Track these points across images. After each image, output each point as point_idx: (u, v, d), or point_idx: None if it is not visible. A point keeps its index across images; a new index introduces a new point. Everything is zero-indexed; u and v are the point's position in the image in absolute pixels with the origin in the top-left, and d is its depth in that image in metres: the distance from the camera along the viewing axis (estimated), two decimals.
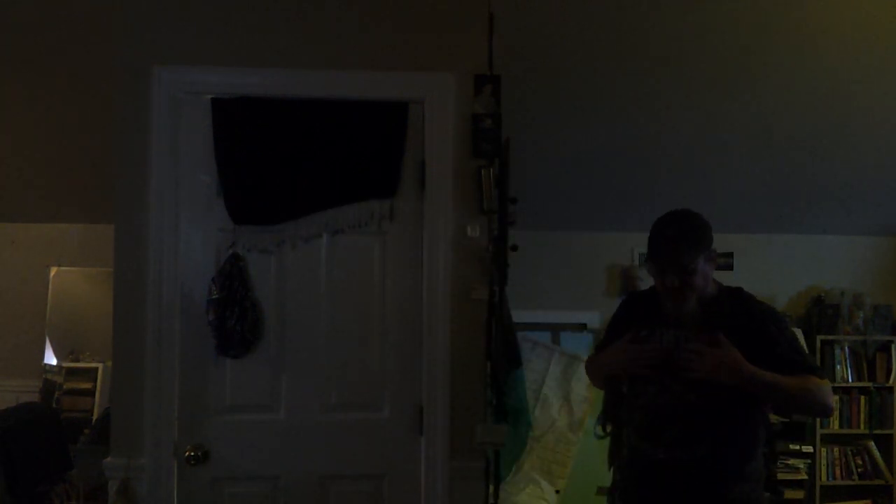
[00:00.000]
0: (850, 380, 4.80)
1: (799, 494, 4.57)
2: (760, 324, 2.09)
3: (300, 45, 2.55)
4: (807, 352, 2.17)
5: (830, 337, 4.77)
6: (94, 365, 4.60)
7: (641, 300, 2.30)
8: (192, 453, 2.49)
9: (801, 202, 4.55)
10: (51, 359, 4.62)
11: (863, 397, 4.81)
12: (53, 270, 4.63)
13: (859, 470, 4.78)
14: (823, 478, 4.72)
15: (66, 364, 4.62)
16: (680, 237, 2.07)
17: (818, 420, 4.69)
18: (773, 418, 4.45)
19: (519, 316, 2.91)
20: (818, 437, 4.70)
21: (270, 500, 2.55)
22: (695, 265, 2.06)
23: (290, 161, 2.54)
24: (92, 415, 4.48)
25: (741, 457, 2.09)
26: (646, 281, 2.76)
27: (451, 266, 2.56)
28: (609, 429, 2.36)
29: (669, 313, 2.15)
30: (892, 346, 4.83)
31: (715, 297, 2.15)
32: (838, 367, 4.79)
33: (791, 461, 4.58)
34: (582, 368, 3.66)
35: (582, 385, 4.35)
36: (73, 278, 4.66)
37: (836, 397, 4.76)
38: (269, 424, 2.55)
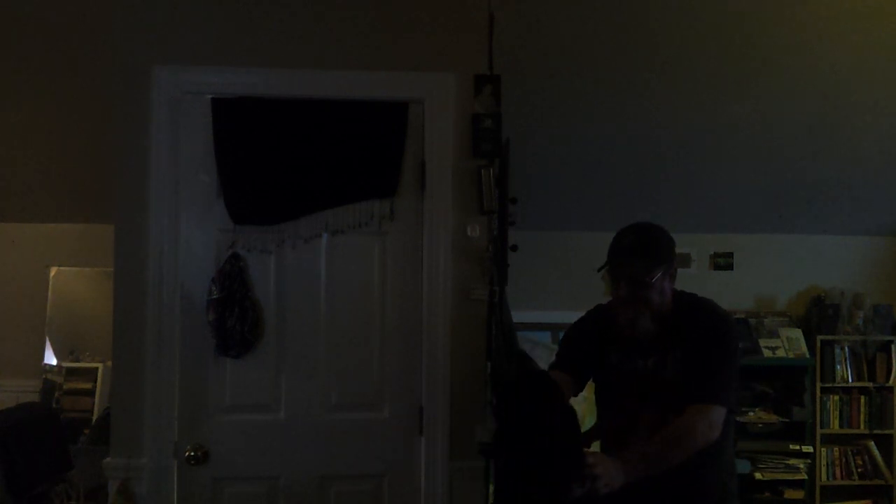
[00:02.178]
0: (850, 380, 4.79)
1: (799, 494, 4.57)
2: (700, 336, 2.01)
3: (300, 45, 2.55)
4: (727, 371, 2.00)
5: (830, 337, 4.77)
6: (94, 365, 4.60)
7: (603, 315, 2.22)
8: (192, 453, 2.49)
9: (801, 202, 4.55)
10: (51, 359, 4.62)
11: (863, 397, 4.81)
12: (53, 270, 4.63)
13: (859, 470, 4.78)
14: (823, 478, 4.72)
15: (66, 364, 4.62)
16: (635, 248, 2.01)
17: (818, 420, 4.69)
18: (771, 417, 4.52)
19: (519, 316, 2.91)
20: (818, 437, 4.70)
21: (270, 500, 2.55)
22: (647, 278, 1.99)
23: (290, 161, 2.54)
24: (92, 415, 4.48)
25: (705, 463, 2.02)
26: None
27: (451, 266, 2.56)
28: None
29: (624, 330, 2.09)
30: (892, 346, 4.82)
31: (672, 313, 2.07)
32: (838, 367, 4.78)
33: (791, 461, 4.58)
34: None
35: None
36: (73, 278, 4.66)
37: (836, 397, 4.76)
38: (269, 424, 2.55)
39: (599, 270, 2.10)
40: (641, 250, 2.01)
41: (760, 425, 4.53)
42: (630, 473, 1.83)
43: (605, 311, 2.21)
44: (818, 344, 4.75)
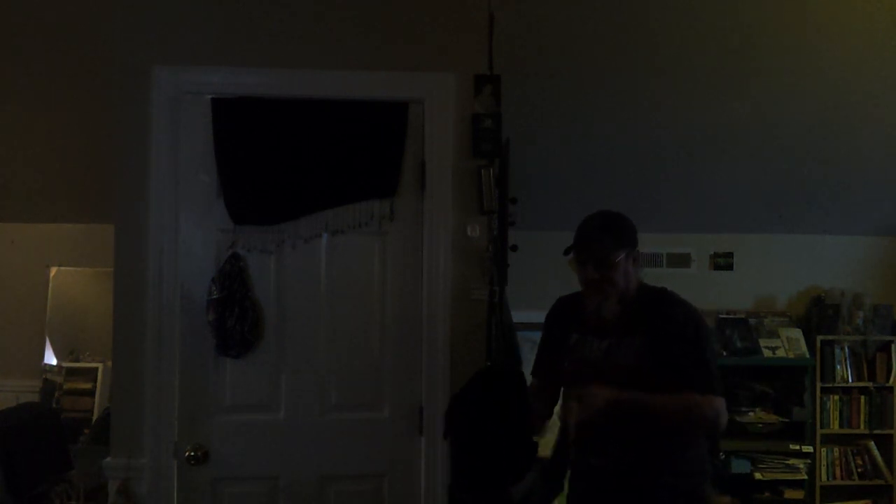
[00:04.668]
0: (850, 380, 4.79)
1: (799, 494, 4.57)
2: (678, 328, 2.05)
3: (300, 45, 2.55)
4: (714, 364, 2.08)
5: (830, 337, 4.76)
6: (94, 365, 4.60)
7: (567, 304, 2.30)
8: (192, 453, 2.49)
9: (801, 202, 4.54)
10: (51, 359, 4.62)
11: (863, 397, 4.80)
12: (53, 270, 4.63)
13: (859, 470, 4.77)
14: (823, 478, 4.72)
15: (66, 364, 4.61)
16: (601, 230, 2.10)
17: (818, 420, 4.69)
18: (771, 417, 4.51)
19: (519, 316, 2.91)
20: (818, 437, 4.70)
21: (270, 500, 2.55)
22: (614, 258, 2.06)
23: (290, 161, 2.54)
24: (92, 415, 4.48)
25: (672, 455, 2.07)
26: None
27: (451, 266, 2.56)
28: None
29: (591, 315, 2.14)
30: (892, 346, 4.82)
31: (637, 298, 2.13)
32: (838, 367, 4.78)
33: (791, 461, 4.57)
34: None
35: None
36: (73, 278, 4.66)
37: (836, 397, 4.76)
38: (269, 424, 2.55)
39: (566, 253, 2.14)
40: (606, 233, 2.10)
41: (760, 425, 4.53)
42: (618, 403, 1.95)
43: (570, 299, 2.28)
44: (818, 344, 4.74)
